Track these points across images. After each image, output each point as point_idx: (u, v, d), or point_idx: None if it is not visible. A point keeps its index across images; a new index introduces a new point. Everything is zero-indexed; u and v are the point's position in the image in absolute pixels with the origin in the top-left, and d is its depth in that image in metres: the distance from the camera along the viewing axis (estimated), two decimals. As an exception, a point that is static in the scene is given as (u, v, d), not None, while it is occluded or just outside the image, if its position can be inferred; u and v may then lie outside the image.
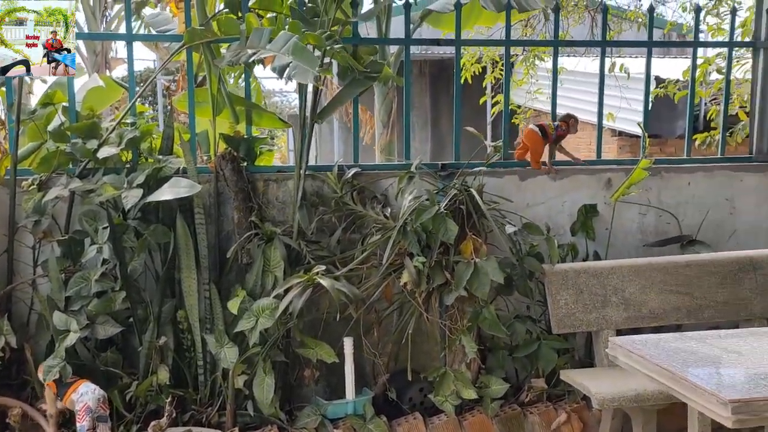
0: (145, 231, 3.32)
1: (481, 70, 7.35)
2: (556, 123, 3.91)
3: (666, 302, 3.50)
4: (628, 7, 8.01)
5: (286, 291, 3.22)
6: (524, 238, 3.48)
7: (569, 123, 3.93)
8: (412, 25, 4.42)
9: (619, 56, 8.00)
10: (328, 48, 3.11)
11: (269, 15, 3.50)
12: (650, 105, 8.98)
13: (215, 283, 3.47)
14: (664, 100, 7.33)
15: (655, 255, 3.84)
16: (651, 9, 4.14)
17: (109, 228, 3.28)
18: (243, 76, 4.04)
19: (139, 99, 3.74)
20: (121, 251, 3.31)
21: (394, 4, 4.28)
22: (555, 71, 4.05)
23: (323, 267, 3.26)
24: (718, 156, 4.27)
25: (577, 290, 3.44)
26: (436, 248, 3.33)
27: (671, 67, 7.81)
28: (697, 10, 4.15)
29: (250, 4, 3.54)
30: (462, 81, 7.60)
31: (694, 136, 6.32)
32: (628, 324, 3.46)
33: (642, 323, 3.48)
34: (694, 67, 4.26)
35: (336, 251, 3.56)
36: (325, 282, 3.12)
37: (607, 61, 6.76)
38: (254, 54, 2.92)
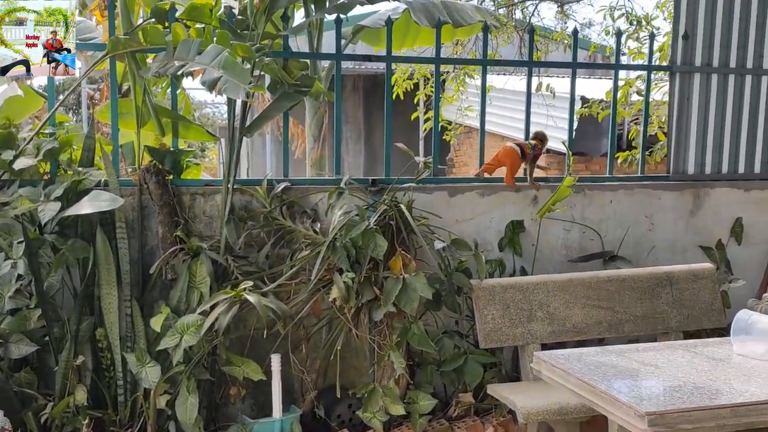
0: (63, 246, 3.19)
1: (413, 86, 7.42)
2: (532, 142, 3.99)
3: (589, 316, 3.59)
4: (555, 28, 8.26)
5: (213, 307, 3.15)
6: (453, 254, 3.51)
7: (543, 141, 4.04)
8: (344, 41, 4.44)
9: (547, 76, 8.24)
10: (257, 61, 3.08)
11: (197, 26, 3.44)
12: (576, 124, 9.30)
13: (137, 300, 3.36)
14: (590, 119, 7.57)
15: (579, 270, 3.94)
16: (575, 32, 4.27)
17: (24, 242, 3.14)
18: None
19: (63, 109, 3.61)
20: (37, 267, 3.17)
21: (325, 19, 4.28)
22: (483, 89, 4.13)
23: (251, 283, 3.20)
24: (638, 175, 4.43)
25: (504, 305, 3.49)
26: (366, 264, 3.32)
27: (596, 88, 8.08)
28: (618, 34, 4.31)
29: (177, 14, 3.47)
30: (394, 97, 7.68)
31: (617, 155, 6.56)
32: (552, 338, 3.53)
33: (566, 337, 3.56)
34: (615, 88, 4.41)
35: (264, 267, 3.51)
36: (252, 298, 3.07)
37: (535, 81, 6.98)
38: (182, 66, 2.86)
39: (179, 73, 2.89)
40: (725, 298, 4.00)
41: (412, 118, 7.70)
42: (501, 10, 7.64)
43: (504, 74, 9.79)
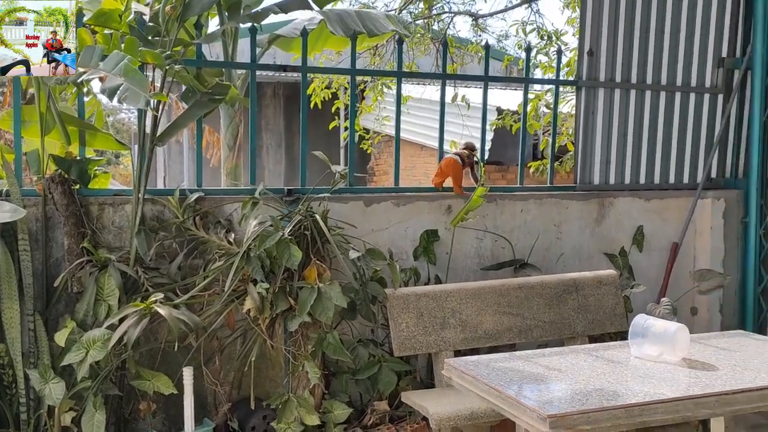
0: (-40, 258, 3.05)
1: (331, 95, 7.45)
2: (465, 152, 4.17)
3: (500, 323, 3.69)
4: (472, 40, 8.45)
5: (121, 321, 3.07)
6: (367, 264, 3.54)
7: (473, 151, 4.24)
8: (260, 49, 4.42)
9: (465, 87, 8.43)
10: (168, 68, 3.03)
11: (106, 32, 3.35)
12: (492, 134, 9.51)
13: (41, 314, 3.24)
14: (507, 129, 7.79)
15: (491, 278, 4.05)
16: (487, 46, 4.40)
17: None
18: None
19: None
20: (-69, 281, 3.01)
21: (241, 27, 4.25)
22: (398, 100, 4.19)
23: (161, 295, 3.14)
24: (548, 185, 4.59)
25: (417, 313, 3.55)
26: (280, 274, 3.32)
27: (512, 99, 8.32)
28: (528, 49, 4.47)
29: (85, 19, 3.38)
30: (312, 106, 7.69)
31: (530, 164, 6.78)
32: (465, 345, 3.61)
33: (478, 343, 3.65)
34: (525, 101, 4.56)
35: (177, 278, 3.44)
36: (162, 310, 3.01)
37: (451, 91, 7.14)
38: (83, 73, 2.78)
39: (79, 80, 2.81)
40: (627, 302, 4.19)
41: (330, 127, 7.72)
42: (419, 21, 7.78)
43: (422, 84, 9.96)
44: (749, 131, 4.76)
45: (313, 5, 3.55)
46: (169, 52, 3.22)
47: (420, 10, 7.38)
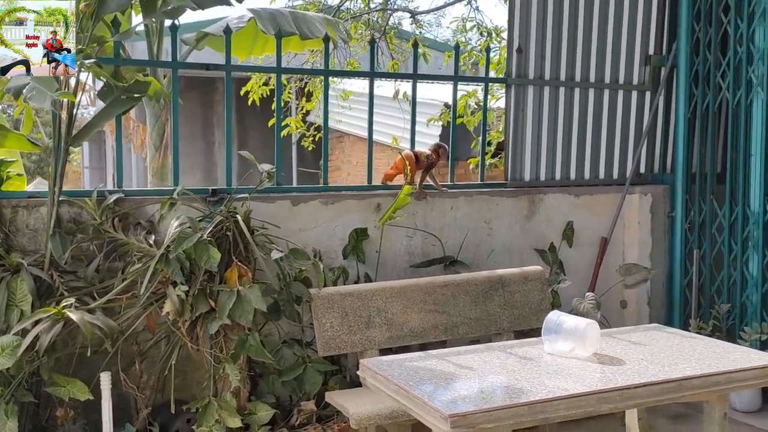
0: None
1: (269, 92, 7.39)
2: (428, 152, 4.15)
3: (426, 321, 3.71)
4: (414, 35, 8.46)
5: (35, 325, 3.00)
6: (291, 264, 3.52)
7: (439, 152, 4.19)
8: (187, 47, 4.36)
9: (408, 82, 8.44)
10: (79, 64, 2.96)
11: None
12: (441, 129, 9.49)
13: (-51, 321, 3.14)
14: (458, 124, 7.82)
15: (421, 276, 4.06)
16: (415, 44, 4.41)
17: None
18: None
19: None
20: None
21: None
22: (326, 99, 4.18)
23: (73, 299, 3.07)
24: (478, 182, 4.63)
25: (342, 313, 3.54)
26: (200, 276, 3.27)
27: (460, 95, 8.36)
28: (456, 47, 4.49)
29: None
30: (249, 103, 7.63)
31: (469, 160, 6.83)
32: (390, 343, 3.62)
33: (404, 342, 3.66)
34: (454, 100, 4.58)
35: (95, 281, 3.38)
36: (74, 315, 2.95)
37: (394, 87, 7.16)
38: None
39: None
40: (556, 297, 4.25)
41: (270, 124, 7.66)
42: (364, 15, 7.75)
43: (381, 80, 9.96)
44: (675, 127, 4.86)
45: (233, 1, 3.50)
46: (81, 47, 3.14)
47: (359, 7, 7.36)
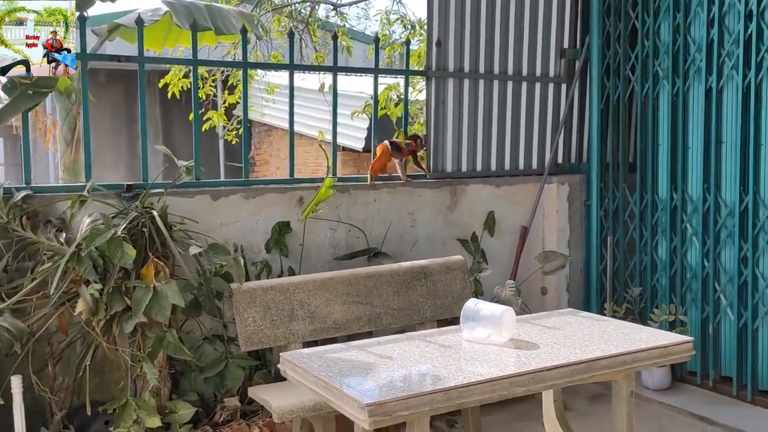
0: None
1: (189, 85, 7.24)
2: (407, 141, 4.40)
3: (349, 312, 3.72)
4: (339, 27, 8.45)
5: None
6: (210, 259, 3.48)
7: (416, 141, 4.45)
8: (98, 38, 4.23)
9: (344, 75, 8.42)
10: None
11: None
12: (367, 122, 9.45)
13: None
14: (387, 117, 7.86)
15: (346, 268, 4.07)
16: (335, 36, 4.41)
17: None
18: None
19: None
20: None
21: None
22: (245, 92, 4.15)
23: (-21, 301, 2.95)
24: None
25: (264, 307, 3.52)
26: (115, 274, 3.19)
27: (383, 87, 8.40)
28: (376, 39, 4.51)
29: None
30: (170, 96, 7.46)
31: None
32: (314, 336, 3.62)
33: (327, 334, 3.66)
34: (375, 92, 4.61)
35: (3, 282, 3.24)
36: (-21, 318, 2.83)
37: (319, 80, 7.13)
38: None
39: None
40: (478, 286, 4.34)
41: (191, 117, 7.52)
42: (287, 7, 7.68)
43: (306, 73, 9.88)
44: (589, 119, 5.02)
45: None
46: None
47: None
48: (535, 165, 5.04)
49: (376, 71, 4.55)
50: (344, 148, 10.85)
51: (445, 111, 4.69)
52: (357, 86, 9.21)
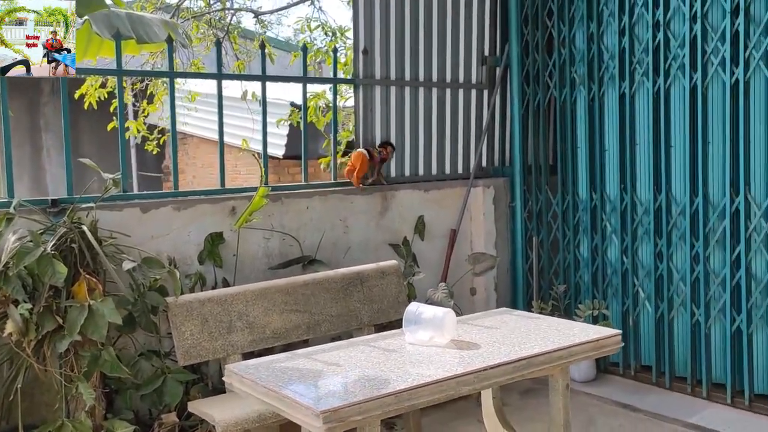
0: None
1: (107, 95, 7.04)
2: (379, 149, 4.59)
3: (288, 321, 3.72)
4: (258, 36, 8.40)
5: None
6: (145, 273, 3.40)
7: (387, 149, 4.62)
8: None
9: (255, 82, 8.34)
10: None
11: None
12: (289, 129, 9.49)
13: None
14: (308, 123, 7.85)
15: (280, 277, 4.07)
16: (262, 44, 4.40)
17: None
18: None
19: None
20: None
21: None
22: (172, 101, 4.07)
23: None
24: (332, 181, 4.70)
25: (202, 320, 3.48)
26: (45, 292, 3.08)
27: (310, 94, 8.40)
28: (304, 48, 4.53)
29: None
30: (86, 106, 7.22)
31: (319, 160, 6.90)
32: (253, 346, 3.60)
33: (267, 344, 3.65)
34: (304, 100, 4.62)
35: (-77, 305, 3.08)
36: None
37: (241, 87, 7.06)
38: None
39: None
40: (411, 289, 4.42)
41: (109, 128, 7.30)
42: (206, 14, 7.57)
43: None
44: (511, 124, 5.21)
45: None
46: None
47: (200, 7, 7.18)
48: (461, 169, 5.18)
49: (304, 80, 4.57)
50: (255, 155, 10.78)
51: (373, 118, 4.76)
52: (276, 93, 9.17)
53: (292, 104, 9.50)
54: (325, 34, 7.12)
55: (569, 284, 4.88)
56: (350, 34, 7.19)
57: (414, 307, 3.03)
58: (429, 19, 4.92)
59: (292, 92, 10.01)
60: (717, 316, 4.07)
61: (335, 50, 4.71)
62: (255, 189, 4.15)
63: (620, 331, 3.06)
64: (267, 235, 4.24)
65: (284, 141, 9.76)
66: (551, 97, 4.99)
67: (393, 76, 4.80)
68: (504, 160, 5.34)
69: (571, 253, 4.86)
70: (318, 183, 4.60)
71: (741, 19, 3.82)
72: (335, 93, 4.72)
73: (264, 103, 4.41)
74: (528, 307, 4.85)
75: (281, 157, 9.88)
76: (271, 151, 9.97)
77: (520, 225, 5.13)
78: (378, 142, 4.76)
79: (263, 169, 4.06)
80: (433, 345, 2.93)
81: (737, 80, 3.88)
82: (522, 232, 5.13)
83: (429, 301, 4.17)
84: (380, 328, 4.10)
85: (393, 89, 4.81)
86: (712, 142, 4.04)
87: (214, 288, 3.96)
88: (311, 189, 4.47)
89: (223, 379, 2.78)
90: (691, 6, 4.05)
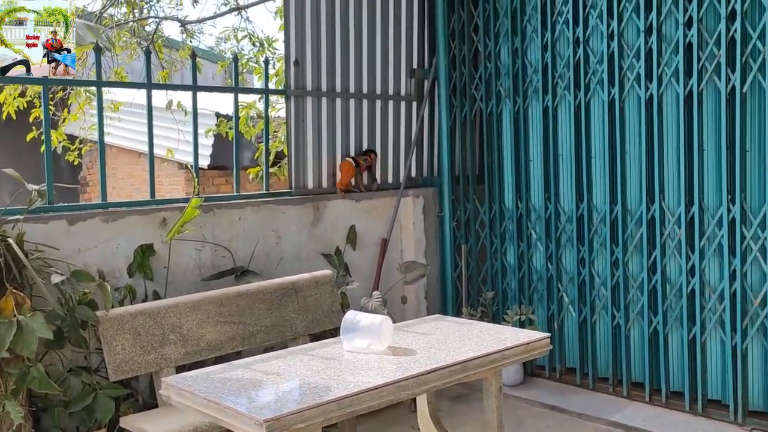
0: None
1: (26, 104, 6.78)
2: (364, 157, 4.89)
3: (222, 333, 3.70)
4: (184, 45, 8.28)
5: None
6: (74, 287, 3.32)
7: (371, 156, 4.92)
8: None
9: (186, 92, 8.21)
10: None
11: None
12: (214, 139, 9.37)
13: None
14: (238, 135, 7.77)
15: (213, 288, 4.03)
16: (193, 55, 4.37)
17: None
18: None
19: None
20: None
21: None
22: (100, 111, 3.99)
23: None
24: (264, 191, 4.69)
25: (134, 333, 3.41)
26: (-32, 308, 2.96)
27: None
28: (235, 59, 4.52)
29: None
30: (5, 116, 6.94)
31: (249, 170, 6.86)
32: (187, 359, 3.56)
33: (201, 356, 3.61)
34: (236, 111, 4.61)
35: None
36: None
37: (168, 97, 6.95)
38: None
39: None
40: (344, 299, 4.46)
41: (29, 138, 7.03)
42: (132, 24, 7.41)
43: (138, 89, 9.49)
44: (439, 135, 5.34)
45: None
46: None
47: (123, 14, 7.03)
48: (391, 179, 5.26)
49: (236, 90, 4.56)
50: (188, 167, 10.60)
51: (305, 129, 4.78)
52: (202, 103, 9.04)
53: (218, 114, 9.41)
54: (253, 44, 7.10)
55: (497, 291, 5.03)
56: (278, 45, 7.23)
57: (351, 315, 3.08)
58: (359, 31, 4.99)
59: (218, 102, 9.90)
60: (636, 319, 4.29)
61: (266, 61, 4.72)
62: (186, 200, 4.12)
63: (549, 334, 3.20)
64: (199, 246, 4.19)
65: (209, 151, 9.64)
66: (478, 110, 5.15)
67: (324, 87, 4.85)
68: (433, 171, 5.47)
69: (498, 260, 5.02)
70: (250, 194, 4.59)
71: (654, 37, 4.06)
72: (267, 103, 4.73)
73: (195, 112, 4.38)
74: (458, 314, 4.97)
75: (206, 167, 9.74)
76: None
77: (448, 233, 5.26)
78: (310, 152, 4.80)
79: (196, 180, 4.02)
80: (371, 352, 2.98)
81: (651, 95, 4.12)
82: (450, 241, 5.25)
83: (363, 310, 4.21)
84: (315, 337, 4.12)
85: (324, 100, 4.86)
86: (629, 153, 4.27)
87: (144, 301, 3.89)
88: (243, 200, 4.46)
89: (160, 392, 2.75)
90: (609, 25, 4.27)
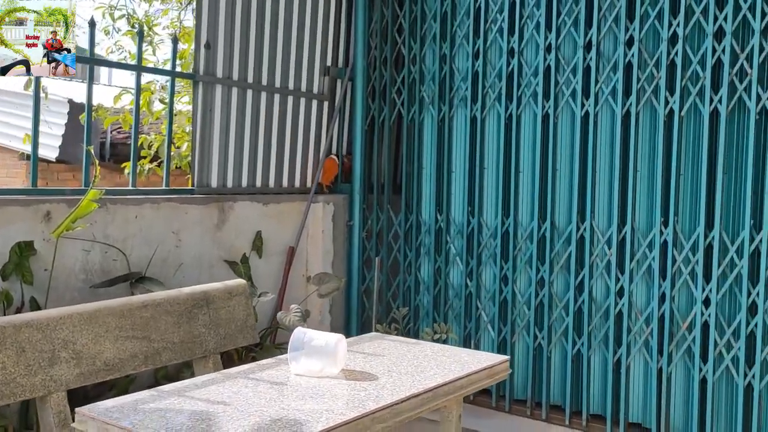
0: None
1: None
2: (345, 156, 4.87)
3: (123, 350, 3.11)
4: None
5: None
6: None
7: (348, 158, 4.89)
8: None
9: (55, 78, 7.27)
10: None
11: None
12: (64, 129, 8.45)
13: None
14: (77, 125, 6.98)
15: (102, 297, 3.42)
16: (92, 23, 3.72)
17: None
18: None
19: None
20: None
21: None
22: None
23: None
24: (164, 188, 4.11)
25: (18, 349, 2.75)
26: None
27: (99, 93, 7.52)
28: (140, 33, 3.93)
29: None
30: None
31: (123, 165, 6.14)
32: (81, 381, 2.94)
33: (98, 378, 3.00)
34: (138, 91, 4.00)
35: None
36: None
37: (24, 80, 6.04)
38: None
39: None
40: (254, 312, 3.99)
41: None
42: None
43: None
44: (353, 139, 5.00)
45: None
46: None
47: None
48: (299, 183, 4.85)
49: (138, 68, 3.95)
50: (41, 160, 9.48)
51: (213, 120, 4.27)
52: (55, 89, 8.11)
53: (71, 101, 8.52)
54: (132, 25, 6.37)
55: (410, 307, 4.76)
56: (158, 29, 6.56)
57: (301, 333, 2.67)
58: (275, 19, 4.55)
59: (74, 89, 8.92)
60: (559, 340, 4.19)
61: (175, 40, 4.15)
62: (76, 191, 3.49)
63: (508, 357, 2.97)
64: (87, 246, 3.56)
65: (58, 142, 8.68)
66: (398, 115, 4.88)
67: (236, 76, 4.35)
68: (346, 176, 5.12)
69: (412, 275, 4.75)
70: (151, 189, 3.99)
71: (593, 53, 4.01)
72: (172, 89, 4.16)
73: (89, 90, 3.72)
74: (362, 331, 4.63)
75: (54, 160, 8.76)
76: (42, 152, 8.78)
77: (357, 245, 4.92)
78: (216, 146, 4.29)
79: (97, 168, 3.40)
80: (325, 376, 2.59)
81: (587, 112, 4.06)
82: (359, 253, 4.92)
83: (280, 324, 3.78)
84: (226, 355, 3.62)
85: (235, 90, 4.36)
86: (560, 169, 4.18)
87: (20, 309, 3.22)
88: (142, 195, 3.86)
89: (73, 425, 2.19)
90: (546, 37, 4.17)
